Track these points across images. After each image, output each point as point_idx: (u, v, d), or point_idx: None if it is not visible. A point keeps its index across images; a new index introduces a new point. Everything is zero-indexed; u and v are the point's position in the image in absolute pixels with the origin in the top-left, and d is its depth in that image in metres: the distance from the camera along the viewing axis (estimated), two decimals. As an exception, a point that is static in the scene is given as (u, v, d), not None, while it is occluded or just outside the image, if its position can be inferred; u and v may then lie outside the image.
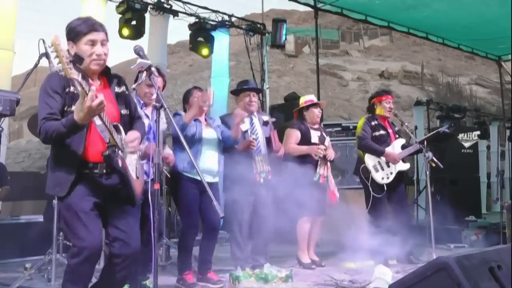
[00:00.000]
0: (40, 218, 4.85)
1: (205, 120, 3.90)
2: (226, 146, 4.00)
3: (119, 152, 2.32)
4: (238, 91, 4.31)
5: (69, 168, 2.29)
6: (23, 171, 11.43)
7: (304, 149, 4.48)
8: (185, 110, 3.87)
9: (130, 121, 2.56)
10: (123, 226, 2.40)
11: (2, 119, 3.24)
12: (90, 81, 2.33)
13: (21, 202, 5.76)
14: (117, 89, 2.48)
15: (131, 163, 2.45)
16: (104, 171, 2.34)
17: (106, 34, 2.36)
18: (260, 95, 6.72)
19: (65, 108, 2.27)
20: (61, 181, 2.30)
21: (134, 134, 2.45)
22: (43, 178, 5.40)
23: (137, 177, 2.49)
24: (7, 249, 4.68)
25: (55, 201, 3.53)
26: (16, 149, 13.46)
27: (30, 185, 5.86)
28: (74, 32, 2.30)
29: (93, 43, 2.30)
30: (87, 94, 2.05)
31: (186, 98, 3.90)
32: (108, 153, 2.26)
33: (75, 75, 2.02)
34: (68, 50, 2.15)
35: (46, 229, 4.19)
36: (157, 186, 2.28)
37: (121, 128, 2.37)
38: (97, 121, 2.25)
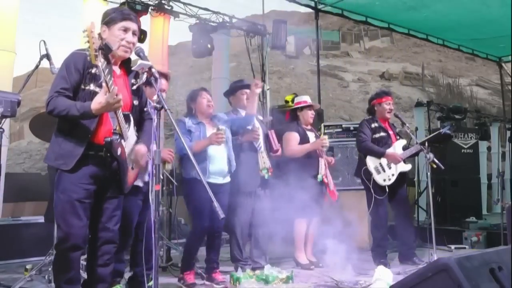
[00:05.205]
0: (40, 219, 4.84)
1: (211, 120, 3.88)
2: (244, 127, 4.03)
3: (122, 141, 2.40)
4: (234, 89, 4.31)
5: (79, 142, 2.34)
6: (24, 172, 11.42)
7: (308, 146, 4.49)
8: (190, 110, 3.86)
9: (140, 113, 2.65)
10: (106, 210, 2.48)
11: (3, 120, 3.24)
12: (113, 67, 2.46)
13: (22, 203, 5.76)
14: (133, 81, 2.59)
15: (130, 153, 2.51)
16: (109, 154, 2.39)
17: (138, 27, 2.50)
18: (261, 95, 6.72)
19: (82, 86, 2.36)
20: (68, 154, 2.34)
21: (143, 150, 2.51)
22: (44, 179, 5.41)
23: (132, 168, 2.56)
24: (8, 250, 4.68)
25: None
26: (17, 150, 13.45)
27: (31, 186, 5.86)
28: (110, 17, 2.43)
29: (125, 30, 2.43)
30: (109, 90, 2.17)
31: (193, 98, 3.87)
32: (110, 140, 2.33)
33: (100, 62, 2.14)
34: (99, 35, 2.28)
35: (46, 230, 4.19)
36: (158, 188, 2.28)
37: (131, 118, 2.49)
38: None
